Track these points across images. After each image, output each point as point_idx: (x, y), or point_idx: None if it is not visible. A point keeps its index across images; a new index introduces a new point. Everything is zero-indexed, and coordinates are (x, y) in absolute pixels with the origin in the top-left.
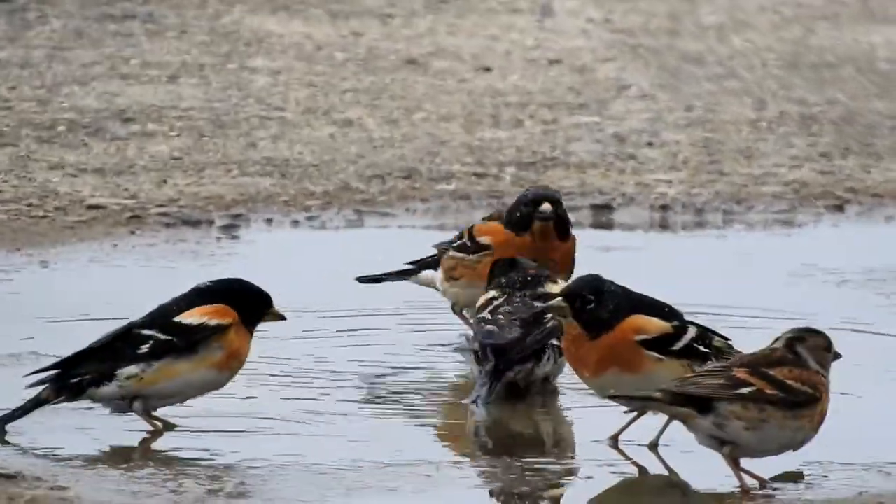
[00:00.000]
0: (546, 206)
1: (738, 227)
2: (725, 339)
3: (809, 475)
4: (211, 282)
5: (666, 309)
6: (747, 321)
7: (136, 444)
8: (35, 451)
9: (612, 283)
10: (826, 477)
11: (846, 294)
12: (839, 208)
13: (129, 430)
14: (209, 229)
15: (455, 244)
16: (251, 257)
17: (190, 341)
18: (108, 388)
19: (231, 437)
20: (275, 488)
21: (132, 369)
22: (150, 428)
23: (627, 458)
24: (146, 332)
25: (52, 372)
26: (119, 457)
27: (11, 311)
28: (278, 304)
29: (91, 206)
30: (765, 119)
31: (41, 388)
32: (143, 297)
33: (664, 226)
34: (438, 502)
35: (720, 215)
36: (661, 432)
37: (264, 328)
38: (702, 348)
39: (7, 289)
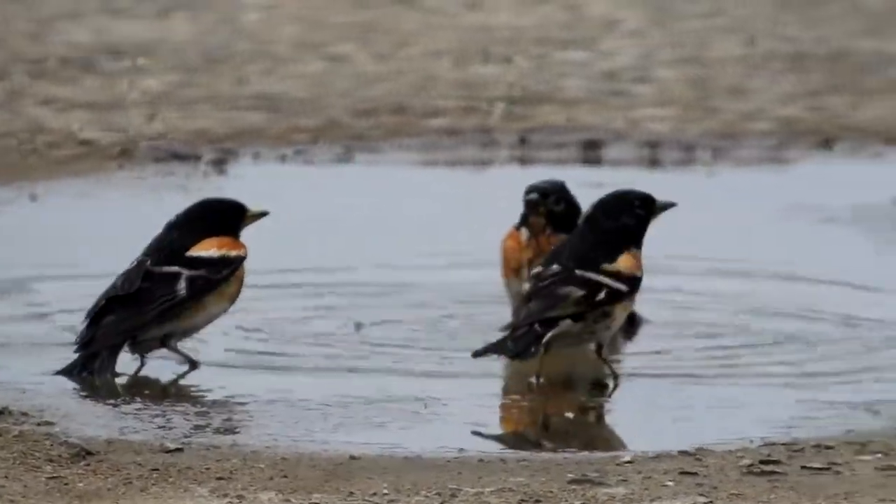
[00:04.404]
0: (532, 196)
1: (727, 164)
2: None
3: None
4: (185, 213)
5: None
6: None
7: (123, 380)
8: (22, 387)
9: None
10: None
11: (833, 232)
12: (828, 145)
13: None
14: (197, 164)
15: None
16: (239, 192)
17: (218, 275)
18: (152, 332)
19: (218, 374)
20: (262, 423)
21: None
22: (184, 361)
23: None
24: (169, 269)
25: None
26: (107, 393)
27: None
28: (262, 236)
29: (81, 142)
30: (755, 56)
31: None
32: (133, 231)
33: (653, 162)
34: (425, 438)
35: (710, 152)
36: None
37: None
38: None
39: None
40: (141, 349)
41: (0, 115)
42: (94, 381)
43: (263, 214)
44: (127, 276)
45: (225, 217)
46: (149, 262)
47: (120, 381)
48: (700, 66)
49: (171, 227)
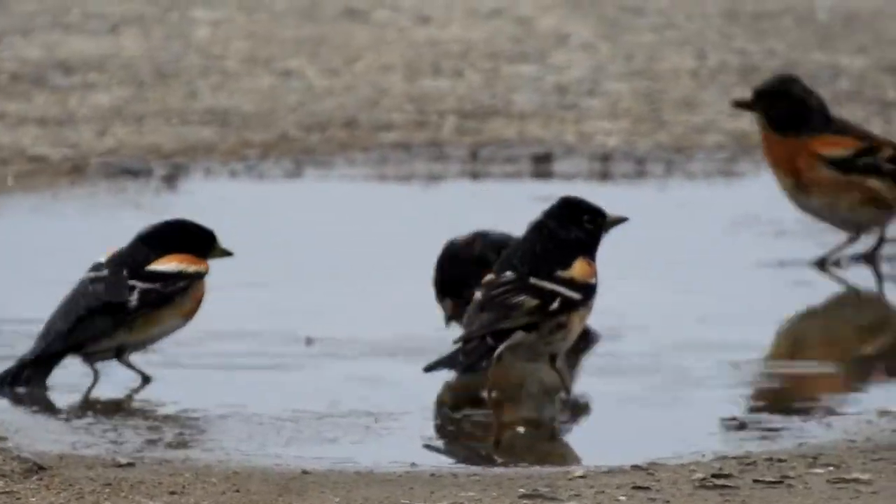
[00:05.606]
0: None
1: (678, 177)
2: None
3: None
4: (156, 226)
5: None
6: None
7: (75, 395)
8: None
9: None
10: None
11: (785, 244)
12: None
13: (67, 381)
14: (149, 179)
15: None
16: (190, 207)
17: (169, 288)
18: (105, 342)
19: (170, 388)
20: (214, 438)
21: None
22: (137, 376)
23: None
24: (129, 282)
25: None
26: (59, 408)
27: None
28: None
29: (32, 158)
30: (705, 69)
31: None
32: (86, 247)
33: (604, 175)
34: (377, 452)
35: (661, 165)
36: None
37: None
38: None
39: None
40: (92, 360)
41: None
42: (32, 391)
43: (228, 254)
44: (111, 284)
45: (196, 239)
46: (125, 273)
47: (72, 395)
48: (651, 80)
49: (139, 242)
